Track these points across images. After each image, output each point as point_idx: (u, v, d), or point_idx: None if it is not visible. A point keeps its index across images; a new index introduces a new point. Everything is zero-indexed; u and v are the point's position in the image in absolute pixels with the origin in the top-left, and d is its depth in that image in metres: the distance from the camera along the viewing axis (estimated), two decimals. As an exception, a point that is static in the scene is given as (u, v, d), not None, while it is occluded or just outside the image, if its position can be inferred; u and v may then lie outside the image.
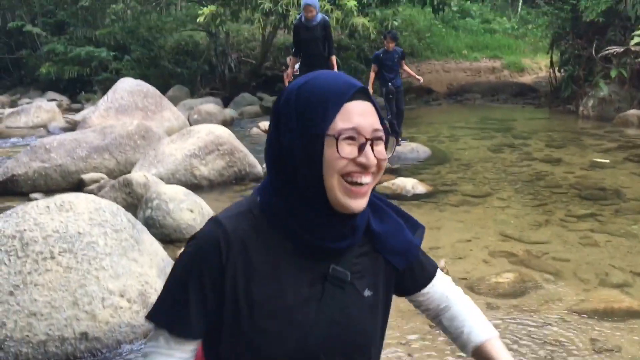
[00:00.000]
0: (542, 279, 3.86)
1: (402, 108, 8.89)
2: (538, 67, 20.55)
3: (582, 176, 6.77)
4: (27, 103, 18.25)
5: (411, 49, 22.79)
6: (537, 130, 10.40)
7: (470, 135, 10.16)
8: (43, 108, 14.70)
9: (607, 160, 7.46)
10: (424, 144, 8.84)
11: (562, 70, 14.08)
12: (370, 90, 7.13)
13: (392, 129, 7.85)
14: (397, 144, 7.66)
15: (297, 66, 8.15)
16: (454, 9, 24.70)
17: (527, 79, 19.37)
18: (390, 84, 8.56)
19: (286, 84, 7.35)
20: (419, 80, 9.86)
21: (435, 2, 15.71)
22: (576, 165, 7.39)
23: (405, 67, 9.13)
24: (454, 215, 5.42)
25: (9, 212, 3.49)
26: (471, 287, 3.73)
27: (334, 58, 8.06)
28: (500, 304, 3.51)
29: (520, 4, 29.05)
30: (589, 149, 8.44)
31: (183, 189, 5.45)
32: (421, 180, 6.59)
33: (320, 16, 7.43)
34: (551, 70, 14.83)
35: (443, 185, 6.57)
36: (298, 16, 7.83)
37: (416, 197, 6.12)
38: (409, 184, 6.39)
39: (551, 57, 14.73)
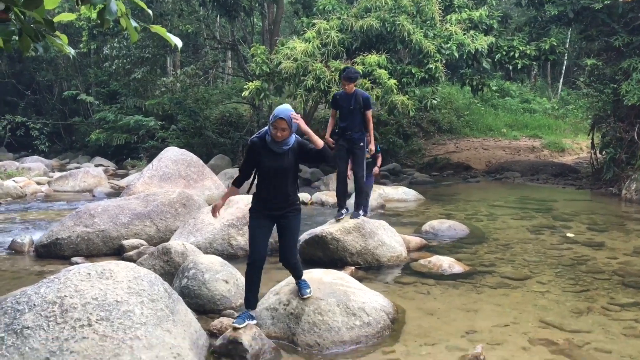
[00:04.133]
0: (584, 370, 3.71)
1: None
2: (579, 148, 20.40)
3: (626, 262, 6.57)
4: (76, 167, 18.98)
5: (450, 125, 23.05)
6: (579, 212, 10.21)
7: (509, 214, 10.04)
8: (90, 173, 15.23)
9: (653, 247, 7.24)
10: (461, 222, 8.77)
11: (603, 152, 13.94)
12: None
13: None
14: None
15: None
16: (493, 88, 25.01)
17: (567, 159, 19.21)
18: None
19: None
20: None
21: (474, 83, 15.96)
22: (619, 250, 7.19)
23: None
24: (491, 298, 5.30)
25: (52, 277, 3.59)
26: (509, 376, 3.60)
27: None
28: (539, 395, 3.37)
29: (560, 85, 29.23)
30: (632, 234, 8.22)
31: (219, 259, 5.51)
32: (458, 259, 6.50)
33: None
34: (592, 152, 14.72)
35: (480, 266, 6.46)
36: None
37: (453, 276, 6.02)
38: (446, 263, 6.31)
39: (592, 139, 14.66)
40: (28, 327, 3.20)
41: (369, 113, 6.84)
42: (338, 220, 6.91)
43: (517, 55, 14.83)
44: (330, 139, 6.91)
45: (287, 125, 3.99)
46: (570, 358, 3.91)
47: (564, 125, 24.28)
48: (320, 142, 4.11)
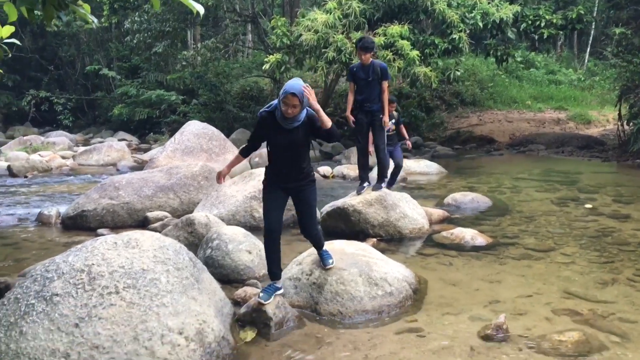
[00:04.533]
0: (609, 340, 3.68)
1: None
2: (605, 120, 19.99)
3: (653, 234, 6.47)
4: (99, 142, 19.20)
5: (473, 98, 22.73)
6: (605, 184, 10.05)
7: (533, 187, 9.93)
8: (114, 147, 15.41)
9: (681, 219, 7.11)
10: (484, 194, 8.70)
11: (630, 123, 13.66)
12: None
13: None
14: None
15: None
16: (518, 59, 24.55)
17: (593, 131, 18.85)
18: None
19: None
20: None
21: (499, 53, 15.66)
22: (646, 222, 7.08)
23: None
24: (514, 269, 5.27)
25: (79, 246, 3.66)
26: (532, 346, 3.59)
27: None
28: (563, 364, 3.37)
29: (587, 55, 28.56)
30: (660, 206, 8.08)
31: (242, 230, 5.55)
32: (481, 231, 6.46)
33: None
34: (619, 124, 14.43)
35: (504, 238, 6.42)
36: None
37: (475, 248, 6.00)
38: (468, 235, 6.28)
39: (619, 110, 14.36)
40: (57, 294, 3.27)
41: (385, 84, 6.65)
42: (359, 194, 6.89)
43: (543, 24, 14.50)
44: (351, 116, 6.74)
45: (299, 101, 3.75)
46: (594, 328, 3.88)
47: (590, 97, 23.78)
48: (328, 122, 3.88)
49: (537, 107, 22.26)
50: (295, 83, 3.81)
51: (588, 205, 8.06)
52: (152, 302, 3.32)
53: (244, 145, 4.28)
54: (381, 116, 6.68)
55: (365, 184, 6.95)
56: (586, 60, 28.61)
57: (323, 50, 13.31)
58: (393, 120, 8.02)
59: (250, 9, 21.92)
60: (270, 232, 4.10)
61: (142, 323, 3.21)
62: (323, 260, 4.47)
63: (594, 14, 18.88)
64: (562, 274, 5.10)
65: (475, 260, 5.57)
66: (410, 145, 8.96)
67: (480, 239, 6.22)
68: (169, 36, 20.28)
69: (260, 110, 4.04)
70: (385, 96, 6.69)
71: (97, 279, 3.33)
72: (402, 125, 8.57)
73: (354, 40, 13.08)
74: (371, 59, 6.63)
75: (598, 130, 19.12)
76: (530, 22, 14.65)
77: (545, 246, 6.03)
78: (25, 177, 12.56)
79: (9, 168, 13.09)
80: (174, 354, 3.17)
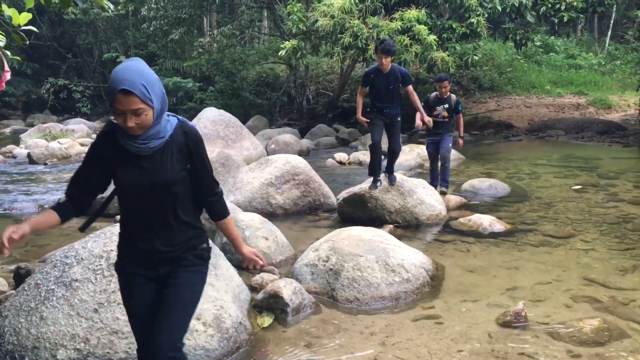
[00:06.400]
0: (629, 328, 3.63)
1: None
2: (626, 105, 19.64)
3: (675, 221, 6.37)
4: (117, 129, 19.28)
5: (491, 83, 22.46)
6: (625, 170, 9.90)
7: (552, 173, 9.81)
8: (131, 134, 15.48)
9: None
10: (502, 181, 8.62)
11: (653, 108, 13.41)
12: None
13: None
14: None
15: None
16: (537, 44, 24.16)
17: (614, 116, 18.54)
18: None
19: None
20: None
21: (518, 37, 15.42)
22: (668, 208, 6.96)
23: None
24: (533, 256, 5.22)
25: (97, 232, 3.69)
26: (551, 333, 3.56)
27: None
28: (582, 352, 3.33)
29: (607, 39, 28.04)
30: (682, 192, 7.94)
31: (259, 216, 5.56)
32: (499, 218, 6.41)
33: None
34: (641, 108, 14.17)
35: (522, 224, 6.36)
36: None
37: (493, 235, 5.95)
38: (486, 221, 6.23)
39: (641, 95, 14.10)
40: (77, 280, 3.30)
41: (411, 88, 6.31)
42: (372, 189, 6.57)
43: (563, 7, 14.25)
44: (363, 119, 6.39)
45: (142, 102, 2.03)
46: (614, 315, 3.83)
47: (610, 82, 23.36)
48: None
49: (557, 92, 21.93)
50: (130, 68, 2.08)
51: (576, 187, 8.05)
52: (170, 287, 3.33)
53: (61, 199, 2.47)
54: (399, 118, 6.35)
55: (378, 183, 6.59)
56: (607, 44, 28.09)
57: (339, 35, 13.22)
58: (445, 106, 7.62)
59: (266, -5, 21.82)
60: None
61: (160, 308, 3.23)
62: None
63: (616, -3, 18.49)
64: (581, 261, 5.05)
65: (494, 247, 5.53)
66: (462, 143, 8.23)
67: (499, 226, 6.17)
68: (186, 23, 20.29)
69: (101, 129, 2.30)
70: (416, 98, 6.46)
71: (115, 265, 3.35)
72: (460, 114, 7.81)
73: (371, 26, 12.98)
74: (392, 64, 6.20)
75: (619, 115, 18.80)
76: (550, 5, 14.39)
77: (564, 233, 5.96)
78: (45, 164, 12.70)
79: (29, 155, 13.25)
80: (192, 340, 3.19)
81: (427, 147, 7.92)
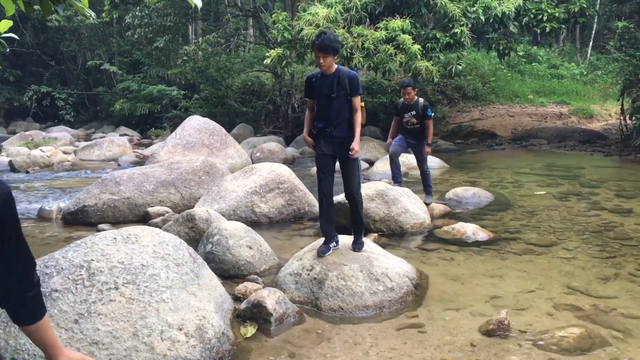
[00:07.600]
0: (611, 336, 3.66)
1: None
2: (608, 114, 19.93)
3: (655, 229, 6.45)
4: (101, 137, 19.19)
5: (475, 92, 22.68)
6: (607, 179, 10.02)
7: (535, 181, 9.90)
8: (115, 142, 15.41)
9: (683, 213, 7.08)
10: (486, 189, 8.67)
11: (633, 117, 13.61)
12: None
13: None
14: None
15: None
16: (520, 53, 24.47)
17: (596, 125, 18.80)
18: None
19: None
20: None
21: (501, 47, 15.60)
22: (649, 217, 7.05)
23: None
24: (516, 265, 5.25)
25: (78, 242, 3.64)
26: (534, 341, 3.57)
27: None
28: (564, 360, 3.35)
29: (589, 50, 28.45)
30: (662, 201, 8.04)
31: (243, 225, 5.53)
32: (483, 227, 6.44)
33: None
34: (622, 118, 14.40)
35: (505, 233, 6.40)
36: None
37: (477, 243, 5.98)
38: (470, 230, 6.26)
39: (622, 104, 14.32)
40: (56, 290, 3.26)
41: (357, 100, 4.49)
42: (322, 255, 4.57)
43: (545, 18, 14.44)
44: (310, 139, 4.75)
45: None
46: (596, 324, 3.86)
47: (592, 91, 23.71)
48: None
49: (539, 102, 22.20)
50: None
51: (539, 192, 8.26)
52: (151, 298, 3.30)
53: None
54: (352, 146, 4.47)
55: (332, 244, 4.70)
56: (588, 54, 28.51)
57: (324, 44, 13.24)
58: (413, 112, 7.56)
59: (252, 4, 21.85)
60: None
61: (142, 319, 3.20)
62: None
63: (597, 8, 18.78)
64: (563, 269, 5.08)
65: (477, 255, 5.56)
66: (429, 151, 7.94)
67: (482, 234, 6.20)
68: (170, 31, 20.24)
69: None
70: (358, 117, 4.50)
71: (96, 275, 3.32)
72: (430, 120, 7.62)
73: (355, 35, 13.04)
74: (337, 66, 4.56)
75: (600, 124, 19.07)
76: (532, 15, 14.58)
77: (547, 241, 6.00)
78: (27, 172, 12.56)
79: (10, 163, 13.08)
80: (174, 350, 3.16)
81: (391, 146, 7.85)
